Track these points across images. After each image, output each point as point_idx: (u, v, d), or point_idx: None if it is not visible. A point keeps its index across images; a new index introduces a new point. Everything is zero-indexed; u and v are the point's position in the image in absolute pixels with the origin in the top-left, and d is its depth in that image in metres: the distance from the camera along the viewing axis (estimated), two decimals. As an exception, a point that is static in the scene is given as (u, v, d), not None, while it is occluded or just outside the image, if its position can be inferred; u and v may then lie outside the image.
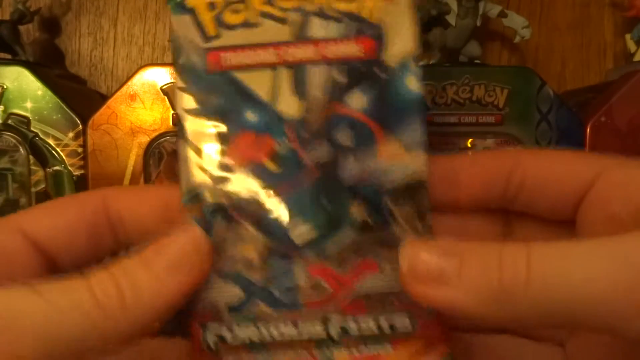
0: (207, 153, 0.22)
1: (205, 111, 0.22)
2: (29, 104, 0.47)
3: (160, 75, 0.47)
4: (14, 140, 0.48)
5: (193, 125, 0.22)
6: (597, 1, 0.62)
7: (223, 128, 0.22)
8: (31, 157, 0.48)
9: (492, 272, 0.18)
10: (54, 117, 0.48)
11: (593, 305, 0.17)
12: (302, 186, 0.22)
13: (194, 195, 0.22)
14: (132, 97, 0.48)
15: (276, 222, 0.22)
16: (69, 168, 0.48)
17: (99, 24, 0.60)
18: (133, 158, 0.48)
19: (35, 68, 0.49)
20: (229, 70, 0.22)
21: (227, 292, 0.22)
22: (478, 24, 0.50)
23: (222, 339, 0.22)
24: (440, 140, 0.49)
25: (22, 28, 0.53)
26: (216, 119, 0.22)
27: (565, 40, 0.62)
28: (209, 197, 0.22)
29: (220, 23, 0.22)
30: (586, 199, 0.21)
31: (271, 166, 0.22)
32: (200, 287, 0.22)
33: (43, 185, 0.48)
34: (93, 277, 0.20)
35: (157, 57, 0.60)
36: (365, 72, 0.22)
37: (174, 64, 0.22)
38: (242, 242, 0.22)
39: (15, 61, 0.51)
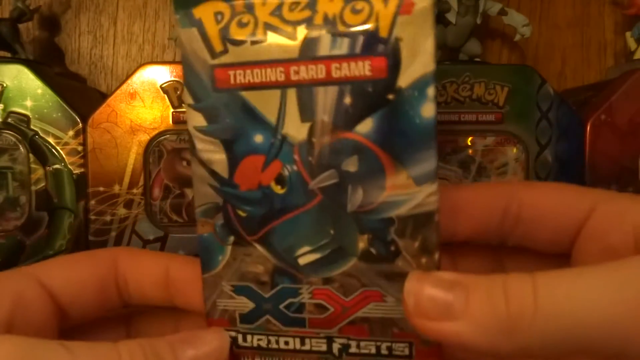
0: (216, 172, 0.22)
1: (214, 130, 0.22)
2: (28, 102, 0.47)
3: (160, 73, 0.47)
4: (13, 139, 0.48)
5: (202, 143, 0.22)
6: (598, -1, 0.62)
7: (231, 149, 0.22)
8: (31, 155, 0.48)
9: (499, 304, 0.18)
10: (54, 115, 0.48)
11: (602, 329, 0.17)
12: (307, 210, 0.22)
13: (206, 211, 0.23)
14: (132, 95, 0.48)
15: (282, 243, 0.22)
16: (69, 166, 0.48)
17: (98, 22, 0.60)
18: (133, 156, 0.48)
19: (35, 66, 0.49)
20: (236, 89, 0.21)
21: (240, 304, 0.23)
22: (478, 22, 0.50)
23: (235, 343, 0.23)
24: (440, 138, 0.49)
25: (21, 26, 0.53)
26: (224, 139, 0.22)
27: (566, 38, 0.62)
28: (219, 214, 0.22)
29: (226, 38, 0.21)
30: (583, 231, 0.22)
31: (277, 189, 0.22)
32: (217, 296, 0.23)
33: (43, 184, 0.48)
34: (123, 346, 0.21)
35: (157, 55, 0.60)
36: (375, 94, 0.20)
37: (183, 79, 0.22)
38: (251, 260, 0.23)
39: (15, 59, 0.51)
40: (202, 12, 0.21)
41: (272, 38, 0.21)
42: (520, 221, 0.23)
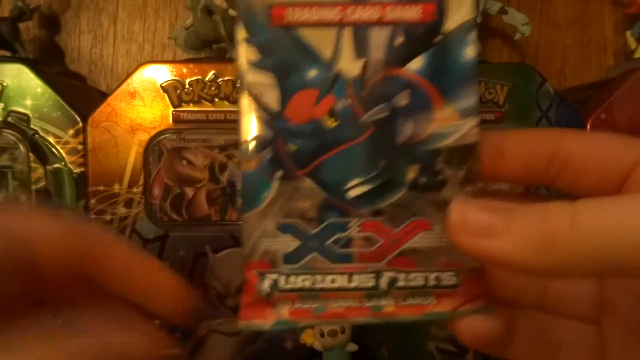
0: (267, 105, 0.22)
1: (267, 64, 0.22)
2: (28, 102, 0.47)
3: (160, 73, 0.47)
4: (14, 138, 0.48)
5: (254, 77, 0.22)
6: (598, -2, 0.62)
7: (284, 82, 0.22)
8: (31, 154, 0.48)
9: (538, 223, 0.19)
10: (54, 114, 0.48)
11: (637, 247, 0.18)
12: (358, 143, 0.22)
13: (254, 147, 0.22)
14: (132, 94, 0.48)
15: (332, 176, 0.22)
16: (69, 165, 0.48)
17: (98, 21, 0.60)
18: (133, 155, 0.48)
19: (35, 65, 0.49)
20: (293, 26, 0.22)
21: (284, 243, 0.23)
22: (478, 20, 0.50)
23: (276, 286, 0.23)
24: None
25: (21, 25, 0.53)
26: (277, 73, 0.22)
27: (566, 38, 0.62)
28: (267, 149, 0.22)
29: None
30: (629, 180, 0.22)
31: (329, 122, 0.22)
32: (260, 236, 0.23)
33: (43, 183, 0.48)
34: None
35: (156, 55, 0.60)
36: (424, 36, 0.22)
37: (237, 15, 0.23)
38: (299, 195, 0.23)
39: (15, 59, 0.51)
40: None
41: None
42: (567, 167, 0.23)
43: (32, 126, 0.48)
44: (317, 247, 0.23)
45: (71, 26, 0.60)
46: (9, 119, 0.47)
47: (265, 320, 0.23)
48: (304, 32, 0.22)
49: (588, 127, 0.47)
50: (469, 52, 0.22)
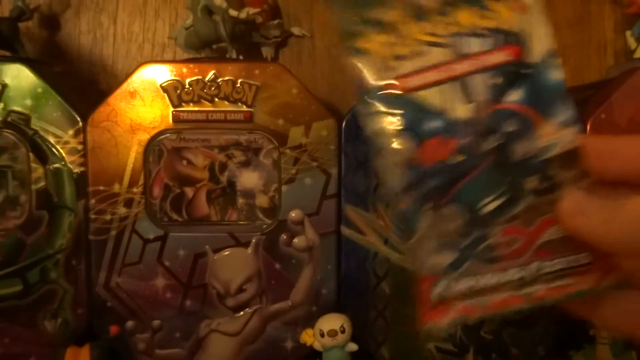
0: (405, 159, 0.28)
1: (398, 126, 0.28)
2: (28, 102, 0.47)
3: (160, 73, 0.47)
4: (14, 138, 0.48)
5: (390, 139, 0.28)
6: (598, -2, 0.62)
7: (414, 137, 0.27)
8: (31, 154, 0.48)
9: (614, 208, 0.25)
10: (54, 114, 0.48)
11: None
12: (483, 169, 0.27)
13: (401, 191, 0.28)
14: (132, 94, 0.48)
15: (468, 199, 0.28)
16: (69, 165, 0.48)
17: (98, 21, 0.60)
18: (133, 155, 0.48)
19: (35, 65, 0.49)
20: (409, 92, 0.28)
21: (444, 257, 0.28)
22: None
23: (446, 292, 0.28)
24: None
25: (21, 25, 0.53)
26: (406, 131, 0.27)
27: (566, 37, 0.61)
28: (413, 190, 0.28)
29: (395, 56, 0.28)
30: None
31: (456, 158, 0.27)
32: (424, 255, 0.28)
33: (43, 183, 0.48)
34: None
35: (156, 54, 0.60)
36: (516, 72, 0.27)
37: (360, 95, 0.28)
38: (446, 219, 0.28)
39: (15, 58, 0.51)
40: (369, 44, 0.28)
41: (431, 49, 0.28)
42: None
43: (32, 126, 0.48)
44: (470, 256, 0.28)
45: (71, 26, 0.60)
46: (9, 119, 0.47)
47: (444, 320, 0.28)
48: (421, 94, 0.28)
49: (588, 127, 0.47)
50: (557, 75, 0.27)
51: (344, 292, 0.50)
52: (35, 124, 0.48)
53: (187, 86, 0.47)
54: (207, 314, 0.49)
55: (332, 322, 0.46)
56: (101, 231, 0.48)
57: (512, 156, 0.27)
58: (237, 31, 0.52)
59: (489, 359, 0.50)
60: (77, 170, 0.48)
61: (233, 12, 0.51)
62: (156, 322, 0.49)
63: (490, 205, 0.28)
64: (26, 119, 0.47)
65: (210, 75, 0.47)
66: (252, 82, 0.47)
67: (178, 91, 0.47)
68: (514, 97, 0.27)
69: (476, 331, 0.49)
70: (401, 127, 0.27)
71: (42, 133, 0.48)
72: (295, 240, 0.49)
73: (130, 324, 0.49)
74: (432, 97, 0.28)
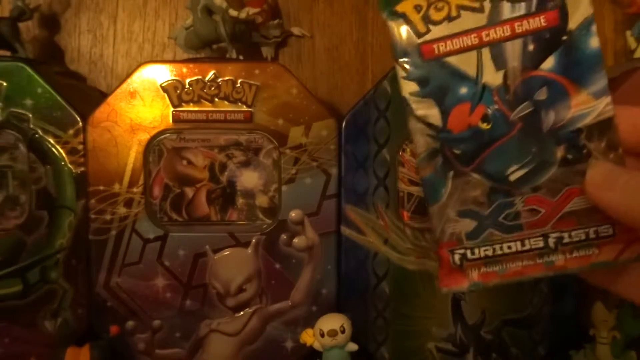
0: (431, 123, 0.28)
1: (426, 92, 0.28)
2: (28, 102, 0.47)
3: (160, 72, 0.47)
4: (14, 138, 0.48)
5: (417, 104, 0.28)
6: (598, -2, 0.62)
7: (442, 103, 0.28)
8: (31, 154, 0.48)
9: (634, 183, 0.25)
10: (54, 114, 0.48)
11: None
12: (511, 137, 0.27)
13: (427, 156, 0.28)
14: (132, 94, 0.48)
15: (494, 167, 0.28)
16: (69, 165, 0.48)
17: (98, 21, 0.60)
18: (133, 155, 0.48)
19: (35, 65, 0.49)
20: (441, 57, 0.28)
21: (464, 225, 0.28)
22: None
23: (465, 258, 0.29)
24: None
25: (21, 25, 0.53)
26: (435, 97, 0.28)
27: (566, 37, 0.61)
28: (439, 156, 0.28)
29: (428, 21, 0.28)
30: None
31: (484, 126, 0.28)
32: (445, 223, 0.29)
33: (43, 183, 0.48)
34: None
35: (156, 54, 0.60)
36: (552, 39, 0.27)
37: (395, 59, 0.28)
38: (469, 187, 0.28)
39: (15, 58, 0.51)
40: (404, 7, 0.28)
41: (464, 14, 0.27)
42: None
43: (32, 126, 0.48)
44: (491, 224, 0.28)
45: (71, 26, 0.60)
46: (9, 119, 0.47)
47: (461, 285, 0.29)
48: (451, 59, 0.28)
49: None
50: (593, 42, 0.27)
51: (344, 292, 0.50)
52: (35, 124, 0.48)
53: (187, 86, 0.47)
54: (207, 314, 0.49)
55: (332, 322, 0.46)
56: (101, 231, 0.48)
57: (541, 125, 0.27)
58: (237, 31, 0.52)
59: (489, 359, 0.49)
60: (77, 170, 0.48)
61: (233, 12, 0.51)
62: (156, 322, 0.49)
63: (515, 173, 0.28)
64: (26, 119, 0.47)
65: (210, 75, 0.47)
66: (252, 82, 0.47)
67: (178, 91, 0.47)
68: (549, 64, 0.27)
69: (476, 331, 0.49)
70: (431, 92, 0.28)
71: (42, 133, 0.48)
72: (295, 240, 0.48)
73: (130, 324, 0.49)
74: (464, 62, 0.28)
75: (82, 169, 0.48)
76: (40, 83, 0.47)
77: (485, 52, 0.27)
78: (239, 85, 0.47)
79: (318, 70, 0.60)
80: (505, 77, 0.27)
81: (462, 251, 0.29)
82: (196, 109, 0.48)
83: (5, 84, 0.47)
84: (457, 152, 0.28)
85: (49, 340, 0.48)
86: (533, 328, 0.49)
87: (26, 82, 0.47)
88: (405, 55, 0.28)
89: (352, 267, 0.49)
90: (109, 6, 0.60)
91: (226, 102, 0.48)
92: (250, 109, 0.48)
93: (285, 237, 0.49)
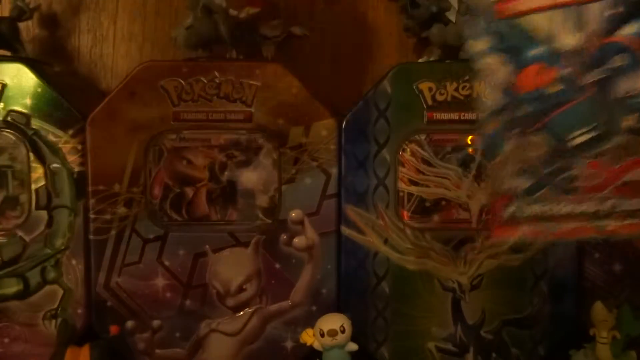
0: (500, 81, 0.28)
1: (499, 49, 0.28)
2: (28, 101, 0.47)
3: (160, 72, 0.47)
4: (13, 138, 0.48)
5: (488, 60, 0.28)
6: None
7: (514, 61, 0.28)
8: (31, 154, 0.48)
9: None
10: (54, 114, 0.48)
11: None
12: (580, 102, 0.28)
13: (492, 113, 0.28)
14: (132, 94, 0.48)
15: (558, 129, 0.28)
16: (69, 165, 0.48)
17: (98, 20, 0.60)
18: (133, 155, 0.48)
19: (35, 65, 0.49)
20: (515, 16, 0.28)
21: (521, 182, 0.29)
22: (478, 20, 0.49)
23: (518, 213, 0.29)
24: (440, 137, 0.49)
25: (21, 25, 0.53)
26: (508, 55, 0.28)
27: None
28: (504, 114, 0.28)
29: None
30: None
31: (553, 88, 0.28)
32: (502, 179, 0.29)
33: (43, 183, 0.48)
34: None
35: (156, 54, 0.60)
36: (636, 3, 0.27)
37: (470, 17, 0.28)
38: (531, 146, 0.29)
39: (15, 58, 0.51)
40: None
41: None
42: None
43: (32, 126, 0.48)
44: (548, 184, 0.29)
45: (71, 26, 0.60)
46: (9, 118, 0.47)
47: (510, 237, 0.30)
48: (526, 18, 0.27)
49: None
50: None
51: (344, 292, 0.50)
52: (35, 123, 0.48)
53: (187, 86, 0.47)
54: (207, 314, 0.49)
55: (332, 322, 0.45)
56: (101, 231, 0.48)
57: (612, 92, 0.27)
58: (236, 31, 0.52)
59: (489, 359, 0.49)
60: (77, 170, 0.48)
61: (233, 12, 0.51)
62: (156, 322, 0.49)
63: (579, 138, 0.28)
64: (26, 118, 0.47)
65: (210, 75, 0.47)
66: (252, 81, 0.47)
67: (178, 91, 0.47)
68: (630, 30, 0.27)
69: (476, 331, 0.49)
70: (504, 50, 0.28)
71: (42, 133, 0.48)
72: (295, 240, 0.48)
73: (130, 324, 0.49)
74: (540, 22, 0.27)
75: (82, 168, 0.48)
76: (40, 83, 0.47)
77: (563, 14, 0.27)
78: (239, 85, 0.47)
79: (318, 70, 0.60)
80: (582, 40, 0.27)
81: (516, 206, 0.30)
82: (196, 108, 0.47)
83: (5, 83, 0.47)
84: (523, 111, 0.28)
85: (49, 340, 0.48)
86: (533, 328, 0.49)
87: (26, 82, 0.47)
88: (478, 13, 0.28)
89: (352, 267, 0.49)
90: (109, 6, 0.60)
91: (226, 102, 0.48)
92: (250, 109, 0.48)
93: (285, 237, 0.49)
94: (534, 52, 0.28)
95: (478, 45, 0.28)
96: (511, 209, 0.30)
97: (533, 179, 0.29)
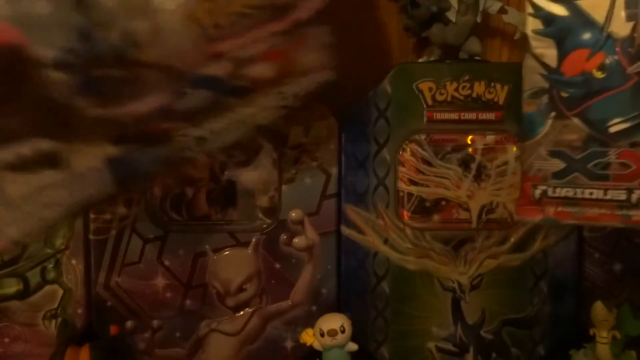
0: (546, 63, 0.29)
1: (549, 31, 0.29)
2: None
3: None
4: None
5: (537, 42, 0.29)
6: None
7: (562, 44, 0.28)
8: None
9: None
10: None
11: None
12: (623, 90, 0.28)
13: (533, 93, 0.29)
14: (132, 94, 0.47)
15: (597, 116, 0.28)
16: (69, 165, 0.48)
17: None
18: (133, 155, 0.48)
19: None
20: None
21: (553, 164, 0.30)
22: (478, 20, 0.49)
23: (545, 194, 0.30)
24: (440, 137, 0.49)
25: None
26: (557, 38, 0.28)
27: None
28: (545, 96, 0.29)
29: None
30: None
31: (598, 74, 0.28)
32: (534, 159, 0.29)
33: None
34: None
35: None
36: None
37: None
38: (567, 130, 0.29)
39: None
40: None
41: None
42: None
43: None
44: (579, 168, 0.29)
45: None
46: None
47: (535, 217, 0.31)
48: (582, 3, 0.28)
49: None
50: None
51: (344, 292, 0.50)
52: (35, 123, 0.47)
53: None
54: (207, 314, 0.49)
55: (332, 322, 0.46)
56: (101, 231, 0.48)
57: None
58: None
59: (489, 358, 0.50)
60: (77, 170, 0.48)
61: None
62: (156, 322, 0.49)
63: (617, 126, 0.28)
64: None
65: (210, 75, 0.47)
66: (252, 81, 0.47)
67: (178, 91, 0.47)
68: None
69: (476, 331, 0.49)
70: (553, 32, 0.28)
71: (42, 133, 0.48)
72: (295, 240, 0.49)
73: (130, 324, 0.49)
74: (594, 8, 0.28)
75: (82, 168, 0.48)
76: (40, 83, 0.47)
77: (620, 1, 0.28)
78: (239, 85, 0.47)
79: (318, 70, 0.60)
80: (633, 29, 0.27)
81: (544, 187, 0.30)
82: (196, 108, 0.47)
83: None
84: (564, 95, 0.29)
85: (49, 340, 0.48)
86: (533, 328, 0.49)
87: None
88: None
89: (352, 267, 0.49)
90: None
91: (226, 102, 0.47)
92: (250, 109, 0.48)
93: (285, 237, 0.49)
94: (584, 36, 0.28)
95: (530, 25, 0.29)
96: (540, 190, 0.30)
97: (565, 162, 0.30)
